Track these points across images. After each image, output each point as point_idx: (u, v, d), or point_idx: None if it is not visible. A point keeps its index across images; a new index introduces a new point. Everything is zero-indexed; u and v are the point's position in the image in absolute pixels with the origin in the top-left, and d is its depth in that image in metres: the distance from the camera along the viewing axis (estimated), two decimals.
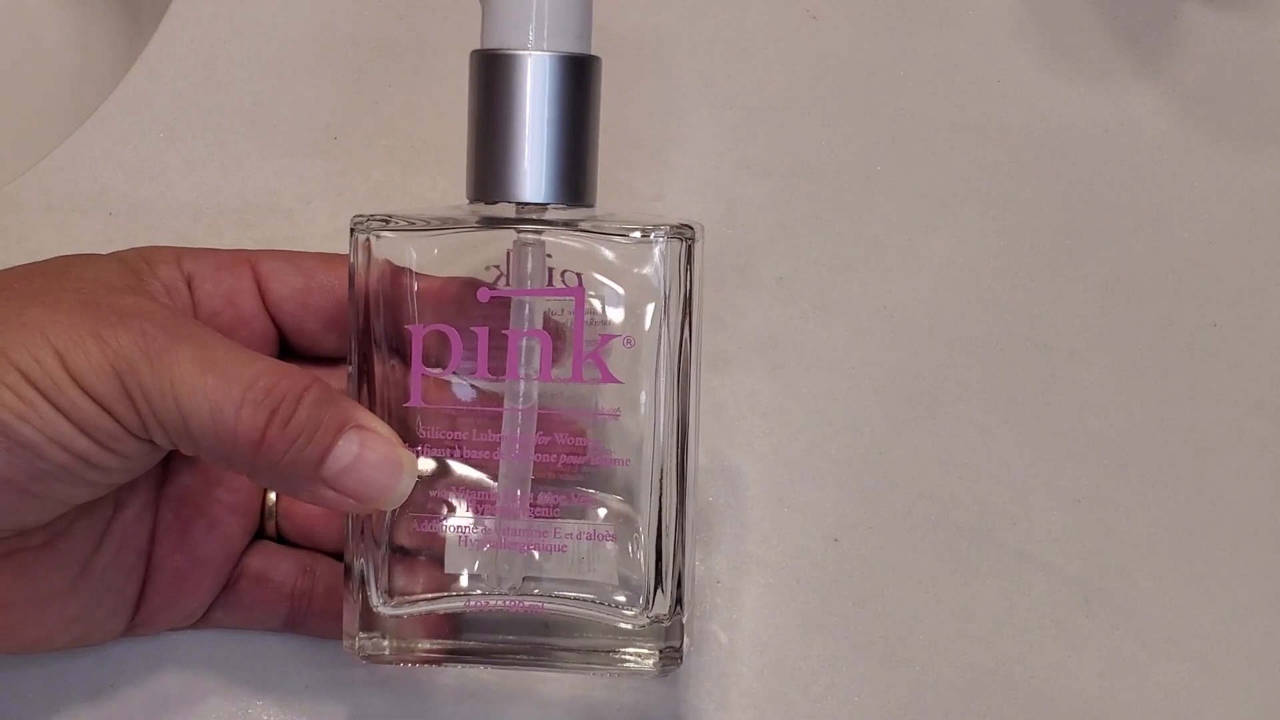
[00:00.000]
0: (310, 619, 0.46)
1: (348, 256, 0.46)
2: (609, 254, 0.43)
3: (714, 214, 0.55)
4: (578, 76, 0.42)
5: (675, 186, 0.55)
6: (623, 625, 0.44)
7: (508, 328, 0.43)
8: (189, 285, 0.45)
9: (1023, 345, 0.54)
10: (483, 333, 0.43)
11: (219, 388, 0.39)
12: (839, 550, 0.51)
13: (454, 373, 0.43)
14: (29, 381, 0.38)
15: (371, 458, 0.40)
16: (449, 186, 0.54)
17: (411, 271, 0.43)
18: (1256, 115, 0.59)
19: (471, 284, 0.43)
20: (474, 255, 0.43)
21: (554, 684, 0.48)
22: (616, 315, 0.43)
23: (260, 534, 0.47)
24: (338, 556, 0.47)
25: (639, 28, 0.57)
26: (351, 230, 0.43)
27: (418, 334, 0.43)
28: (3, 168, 0.56)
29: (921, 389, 0.53)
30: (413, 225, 0.43)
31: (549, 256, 0.43)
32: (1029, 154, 0.57)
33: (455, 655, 0.44)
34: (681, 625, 0.44)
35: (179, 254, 0.45)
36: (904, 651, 0.49)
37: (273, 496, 0.47)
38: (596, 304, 0.43)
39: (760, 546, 0.50)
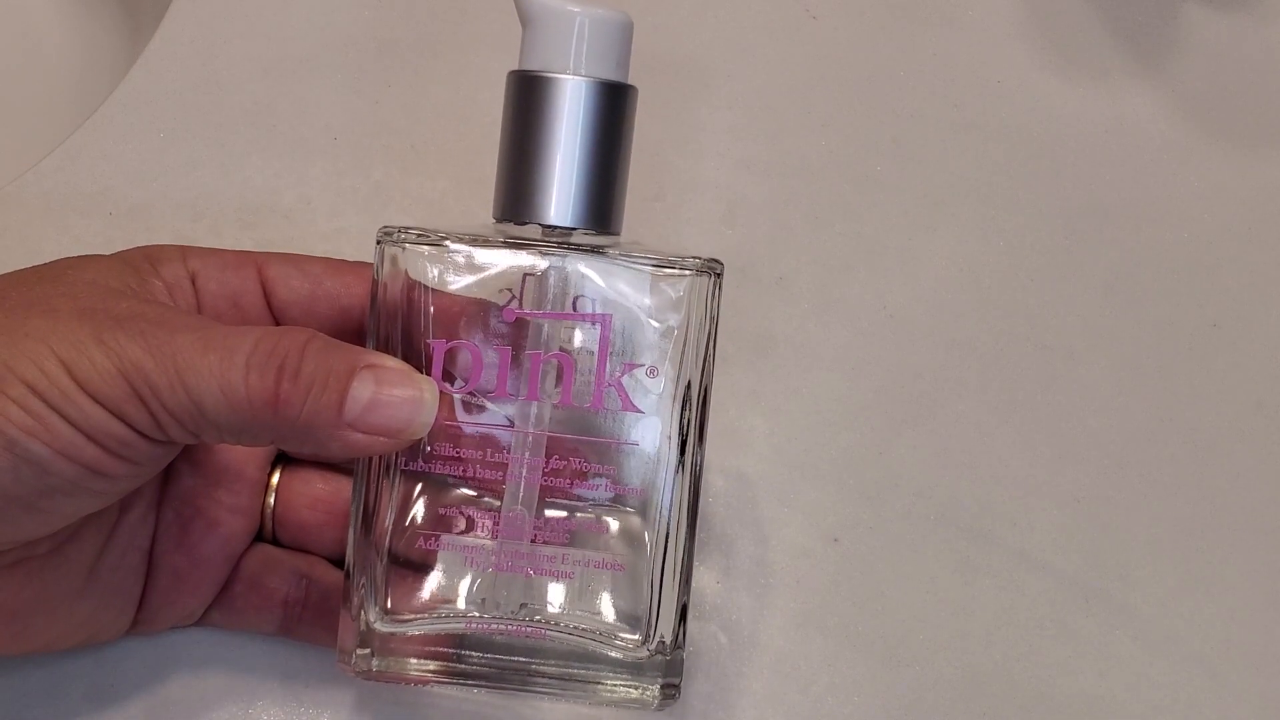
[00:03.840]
0: (303, 626, 0.46)
1: (356, 264, 0.46)
2: (635, 283, 0.43)
3: (714, 214, 0.55)
4: (614, 104, 0.43)
5: (675, 186, 0.55)
6: (623, 657, 0.43)
7: (526, 349, 0.42)
8: (193, 283, 0.45)
9: (1023, 345, 0.54)
10: (504, 352, 0.42)
11: (222, 362, 0.38)
12: (839, 550, 0.51)
13: (471, 391, 0.43)
14: (36, 393, 0.38)
15: (390, 391, 0.40)
16: (449, 187, 0.54)
17: (426, 288, 0.43)
18: (1256, 115, 0.59)
19: (484, 305, 0.43)
20: (496, 274, 0.43)
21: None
22: (640, 344, 0.43)
23: (262, 537, 0.47)
24: (335, 561, 0.47)
25: (638, 28, 0.57)
26: (378, 241, 0.43)
27: (439, 349, 0.42)
28: (3, 168, 0.56)
29: (921, 389, 0.53)
30: (438, 240, 0.43)
31: (581, 280, 0.43)
32: (1029, 154, 0.57)
33: (450, 676, 0.44)
34: (682, 660, 0.44)
35: (185, 252, 0.45)
36: (904, 651, 0.49)
37: (271, 499, 0.47)
38: (621, 331, 0.43)
39: (760, 546, 0.50)
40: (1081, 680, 0.50)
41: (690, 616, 0.44)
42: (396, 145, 0.55)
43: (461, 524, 0.43)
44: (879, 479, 0.52)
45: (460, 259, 0.43)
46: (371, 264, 0.43)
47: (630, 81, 0.43)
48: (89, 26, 0.64)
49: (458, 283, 0.43)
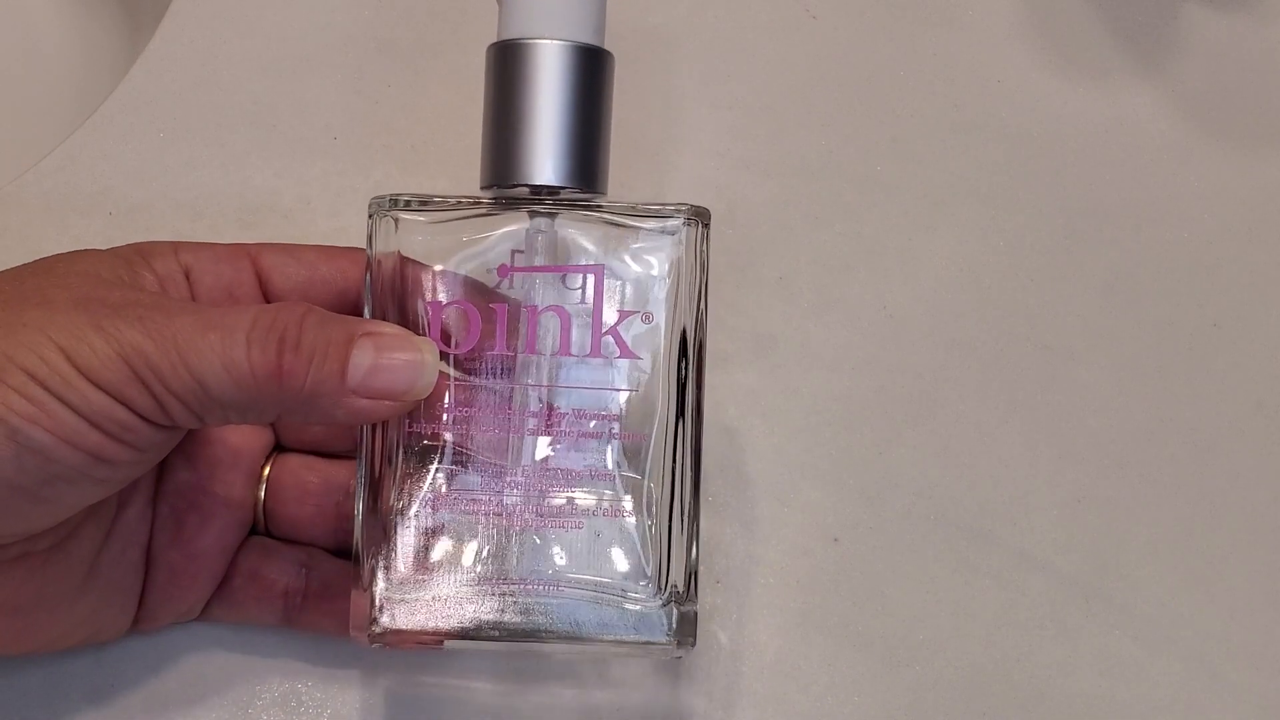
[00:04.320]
0: (305, 615, 0.46)
1: (349, 249, 0.46)
2: (626, 234, 0.43)
3: (714, 214, 0.55)
4: (592, 67, 0.43)
5: (675, 186, 0.55)
6: (637, 607, 0.44)
7: (522, 305, 0.43)
8: (187, 277, 0.45)
9: (1023, 345, 0.54)
10: (501, 309, 0.43)
11: (223, 340, 0.39)
12: (839, 550, 0.51)
13: (470, 350, 0.43)
14: (37, 381, 0.38)
15: (390, 355, 0.40)
16: (449, 186, 0.54)
17: (417, 258, 0.43)
18: (1256, 115, 0.59)
19: (476, 282, 0.43)
20: (487, 238, 0.43)
21: (554, 681, 0.48)
22: (633, 293, 0.43)
23: (255, 531, 0.47)
24: (334, 552, 0.47)
25: (639, 28, 0.57)
26: (370, 215, 0.43)
27: (436, 310, 0.43)
28: (3, 168, 0.56)
29: (921, 389, 0.53)
30: (428, 206, 0.43)
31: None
32: (1029, 154, 0.57)
33: (464, 637, 0.44)
34: (695, 613, 0.44)
35: (176, 247, 0.45)
36: (904, 651, 0.49)
37: (261, 493, 0.47)
38: (615, 281, 0.43)
39: (760, 546, 0.50)
40: (1081, 680, 0.50)
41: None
42: (396, 145, 0.55)
43: (468, 485, 0.43)
44: (879, 479, 0.52)
45: (449, 225, 0.43)
46: (364, 249, 0.44)
47: (611, 52, 0.44)
48: (89, 26, 0.64)
49: (447, 249, 0.43)
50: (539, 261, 0.43)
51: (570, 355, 0.43)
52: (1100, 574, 0.51)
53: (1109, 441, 0.53)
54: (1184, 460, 0.53)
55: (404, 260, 0.43)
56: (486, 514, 0.43)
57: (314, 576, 0.46)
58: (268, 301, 0.46)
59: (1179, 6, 0.60)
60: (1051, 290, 0.55)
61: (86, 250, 0.44)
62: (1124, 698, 0.50)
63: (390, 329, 0.41)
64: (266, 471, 0.47)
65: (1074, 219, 0.56)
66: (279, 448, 0.48)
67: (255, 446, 0.47)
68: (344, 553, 0.46)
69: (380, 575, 0.43)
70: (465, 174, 0.54)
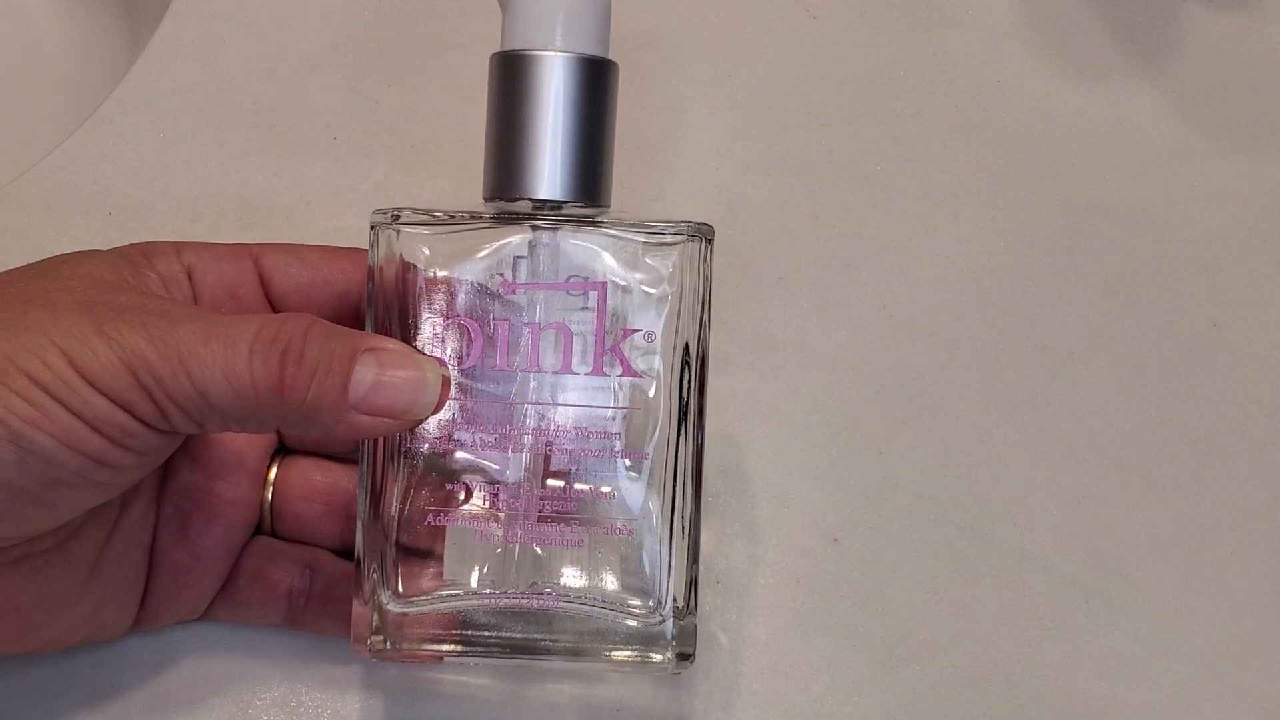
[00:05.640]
0: (309, 616, 0.46)
1: (351, 250, 0.46)
2: (628, 251, 0.43)
3: (714, 214, 0.55)
4: (597, 79, 0.43)
5: (675, 186, 0.55)
6: (636, 623, 0.44)
7: (524, 322, 0.43)
8: (189, 277, 0.45)
9: (1023, 345, 0.54)
10: (503, 326, 0.43)
11: (226, 350, 0.39)
12: (839, 550, 0.51)
13: (472, 367, 0.43)
14: (39, 385, 0.38)
15: (393, 372, 0.40)
16: (449, 187, 0.54)
17: (420, 270, 0.43)
18: (1256, 115, 0.59)
19: (479, 284, 0.43)
20: (489, 251, 0.43)
21: (554, 681, 0.48)
22: (636, 310, 0.43)
23: (261, 530, 0.47)
24: (338, 552, 0.47)
25: (639, 28, 0.57)
26: (372, 226, 0.43)
27: (438, 324, 0.43)
28: (3, 168, 0.56)
29: (921, 389, 0.53)
30: (431, 220, 0.43)
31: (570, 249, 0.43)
32: (1029, 154, 0.57)
33: (465, 653, 0.44)
34: (695, 626, 0.44)
35: (179, 247, 0.45)
36: (904, 651, 0.49)
37: (269, 493, 0.47)
38: (617, 297, 0.43)
39: (760, 546, 0.50)
40: (1081, 680, 0.50)
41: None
42: (396, 145, 0.55)
43: (469, 501, 0.43)
44: (879, 479, 0.52)
45: (451, 238, 0.43)
46: (367, 249, 0.44)
47: (615, 62, 0.44)
48: (89, 26, 0.64)
49: (449, 262, 0.43)
50: (541, 277, 0.43)
51: (572, 372, 0.43)
52: (1100, 574, 0.51)
53: (1109, 441, 0.53)
54: (1184, 460, 0.53)
55: (406, 273, 0.43)
56: (487, 529, 0.43)
57: (318, 577, 0.46)
58: (269, 301, 0.46)
59: (1179, 6, 0.60)
60: (1051, 290, 0.55)
61: (90, 251, 0.44)
62: (1124, 698, 0.50)
63: (394, 345, 0.40)
64: (272, 472, 0.47)
65: (1074, 219, 0.56)
66: (282, 450, 0.48)
67: (260, 446, 0.47)
68: (349, 553, 0.46)
69: (381, 588, 0.43)
70: (465, 175, 0.54)
